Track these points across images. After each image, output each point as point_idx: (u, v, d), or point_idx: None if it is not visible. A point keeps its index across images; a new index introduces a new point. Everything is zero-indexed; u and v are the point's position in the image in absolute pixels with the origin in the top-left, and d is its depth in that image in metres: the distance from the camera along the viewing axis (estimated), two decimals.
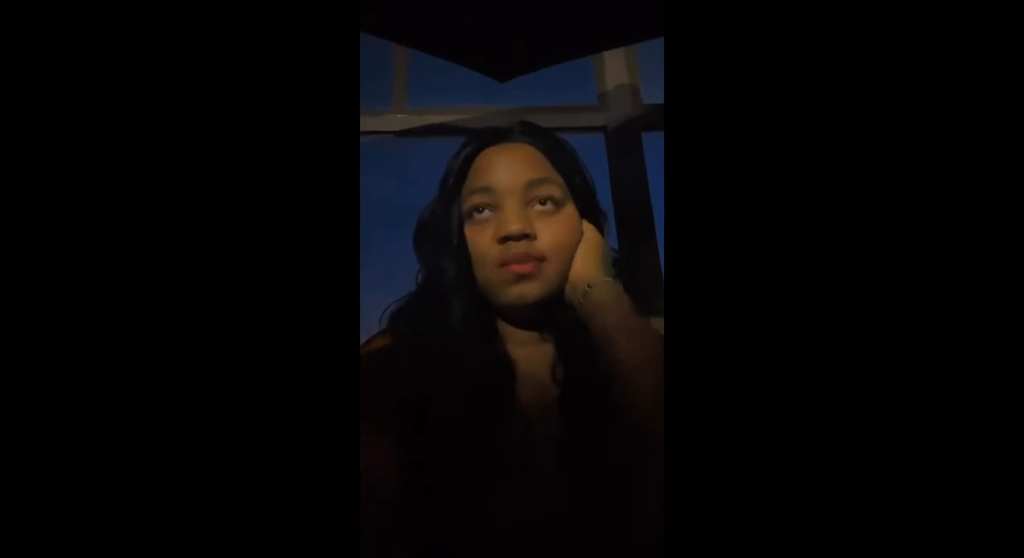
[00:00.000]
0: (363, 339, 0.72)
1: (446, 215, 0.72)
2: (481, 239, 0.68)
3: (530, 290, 0.67)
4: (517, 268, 0.66)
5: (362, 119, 1.26)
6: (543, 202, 0.68)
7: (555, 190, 0.69)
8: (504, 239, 0.66)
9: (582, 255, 0.70)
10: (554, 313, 0.70)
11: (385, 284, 0.77)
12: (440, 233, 0.72)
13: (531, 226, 0.67)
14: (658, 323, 0.63)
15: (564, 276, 0.69)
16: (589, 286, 0.67)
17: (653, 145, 1.33)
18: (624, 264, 0.77)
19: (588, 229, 0.72)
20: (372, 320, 0.72)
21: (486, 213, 0.69)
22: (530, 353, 0.71)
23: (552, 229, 0.68)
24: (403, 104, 1.37)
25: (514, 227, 0.66)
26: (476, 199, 0.69)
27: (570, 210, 0.70)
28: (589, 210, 0.74)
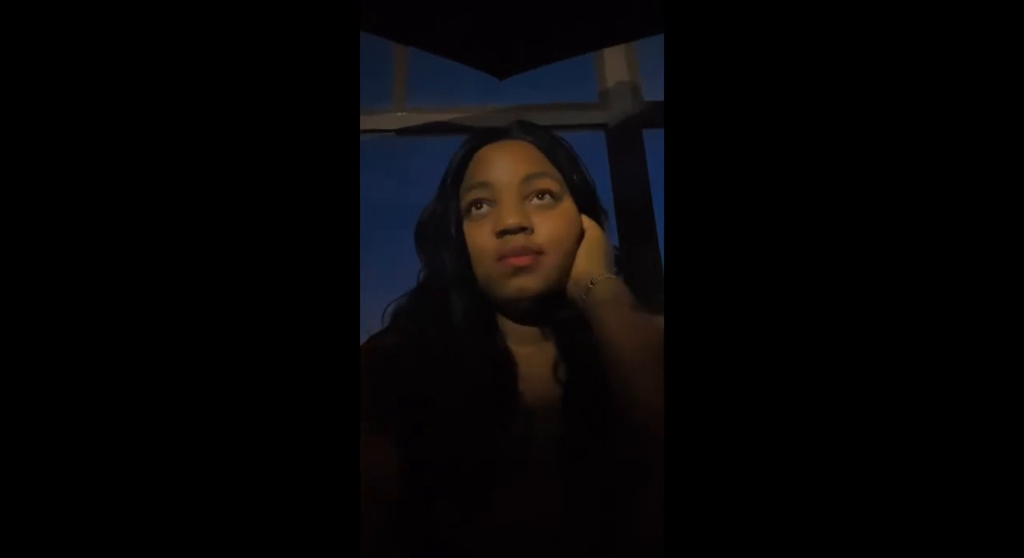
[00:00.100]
0: (363, 339, 0.72)
1: (445, 212, 0.72)
2: (479, 234, 0.68)
3: (529, 283, 0.67)
4: (515, 261, 0.66)
5: (362, 118, 1.26)
6: (540, 196, 0.69)
7: (552, 184, 0.70)
8: (502, 233, 0.67)
9: (585, 252, 0.70)
10: (555, 310, 0.70)
11: (385, 284, 0.77)
12: (439, 230, 0.72)
13: (528, 219, 0.67)
14: (659, 320, 0.63)
15: (563, 270, 0.69)
16: (592, 282, 0.67)
17: (653, 142, 1.32)
18: (625, 261, 0.77)
19: (590, 226, 0.72)
20: (372, 320, 0.72)
21: (484, 208, 0.69)
22: (532, 351, 0.71)
23: (550, 223, 0.68)
24: (403, 103, 1.37)
25: (511, 220, 0.66)
26: (474, 194, 0.70)
27: (568, 205, 0.71)
28: (590, 207, 0.74)
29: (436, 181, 0.76)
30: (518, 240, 0.66)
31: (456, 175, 0.73)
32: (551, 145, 0.73)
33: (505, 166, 0.70)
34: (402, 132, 1.33)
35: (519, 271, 0.66)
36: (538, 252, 0.67)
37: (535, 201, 0.69)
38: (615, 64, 1.39)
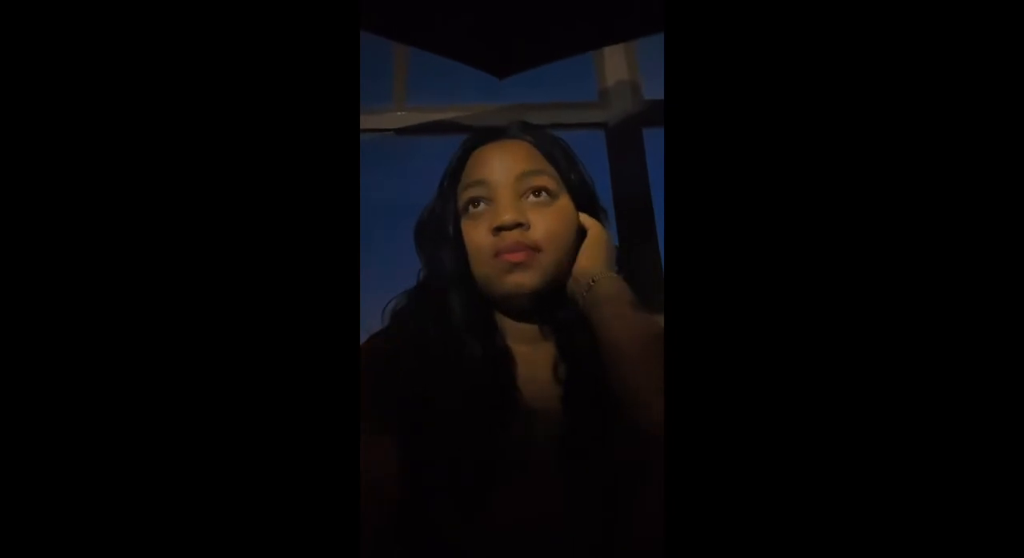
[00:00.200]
0: (363, 338, 0.72)
1: (443, 211, 0.72)
2: (476, 232, 0.69)
3: (525, 279, 0.67)
4: (511, 257, 0.66)
5: (362, 117, 1.26)
6: (537, 193, 0.69)
7: (548, 182, 0.70)
8: (498, 229, 0.67)
9: (587, 251, 0.70)
10: (554, 308, 0.71)
11: (385, 283, 0.77)
12: (438, 229, 0.72)
13: (524, 216, 0.67)
14: (660, 319, 0.63)
15: (561, 267, 0.69)
16: (593, 280, 0.67)
17: (653, 141, 1.32)
18: (625, 260, 0.77)
19: (592, 225, 0.72)
20: (372, 319, 0.72)
21: (481, 206, 0.69)
22: (531, 350, 0.71)
23: (546, 219, 0.68)
24: (403, 102, 1.37)
25: (507, 217, 0.66)
26: (471, 193, 0.70)
27: (565, 202, 0.71)
28: (589, 206, 0.74)
29: (436, 180, 0.76)
30: (514, 236, 0.66)
31: (454, 174, 0.74)
32: (548, 144, 0.74)
33: (501, 164, 0.70)
34: (402, 131, 1.33)
35: (515, 267, 0.66)
36: (534, 248, 0.67)
37: (531, 198, 0.69)
38: (615, 63, 1.39)
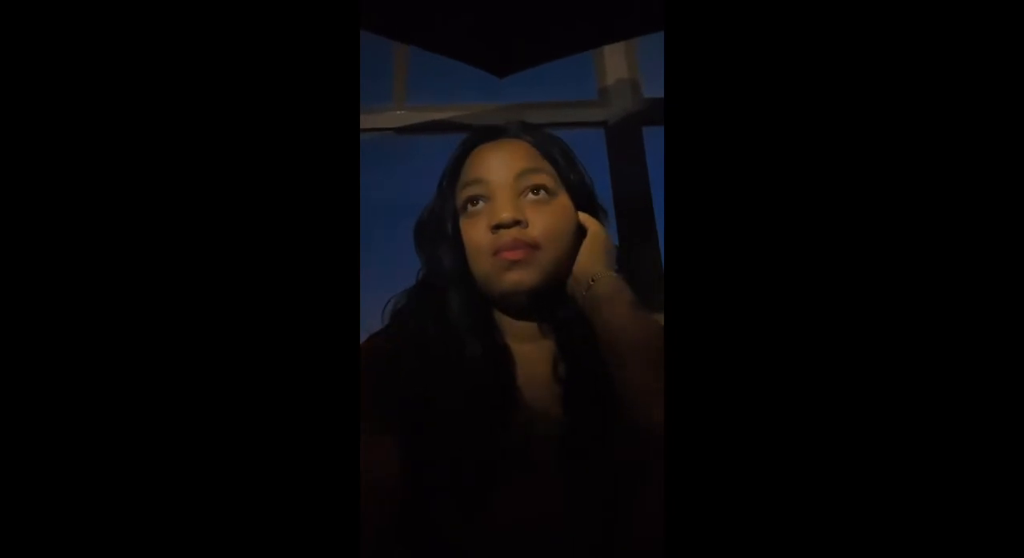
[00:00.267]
0: (363, 338, 0.72)
1: (442, 210, 0.73)
2: (475, 230, 0.69)
3: (524, 277, 0.67)
4: (509, 255, 0.66)
5: (362, 117, 1.26)
6: (535, 191, 0.69)
7: (547, 180, 0.70)
8: (496, 227, 0.67)
9: (587, 250, 0.70)
10: (553, 307, 0.71)
11: (385, 283, 0.77)
12: (437, 228, 0.72)
13: (523, 214, 0.67)
14: (660, 318, 0.63)
15: (559, 265, 0.69)
16: (593, 280, 0.67)
17: (653, 140, 1.33)
18: (625, 259, 0.77)
19: (592, 224, 0.72)
20: (372, 319, 0.72)
21: (480, 205, 0.70)
22: (531, 349, 0.71)
23: (545, 217, 0.68)
24: (403, 101, 1.37)
25: (505, 214, 0.66)
26: (469, 191, 0.70)
27: (564, 201, 0.71)
28: (588, 206, 0.74)
29: (436, 180, 0.76)
30: (512, 234, 0.66)
31: (452, 174, 0.74)
32: (547, 143, 0.74)
33: (500, 163, 0.70)
34: (402, 131, 1.33)
35: (514, 265, 0.66)
36: (533, 246, 0.67)
37: (530, 196, 0.69)
38: (615, 61, 1.39)
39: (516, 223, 0.67)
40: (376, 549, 0.56)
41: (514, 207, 0.67)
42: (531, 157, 0.71)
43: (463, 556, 0.62)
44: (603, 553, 0.61)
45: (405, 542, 0.61)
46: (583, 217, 0.72)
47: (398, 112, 1.35)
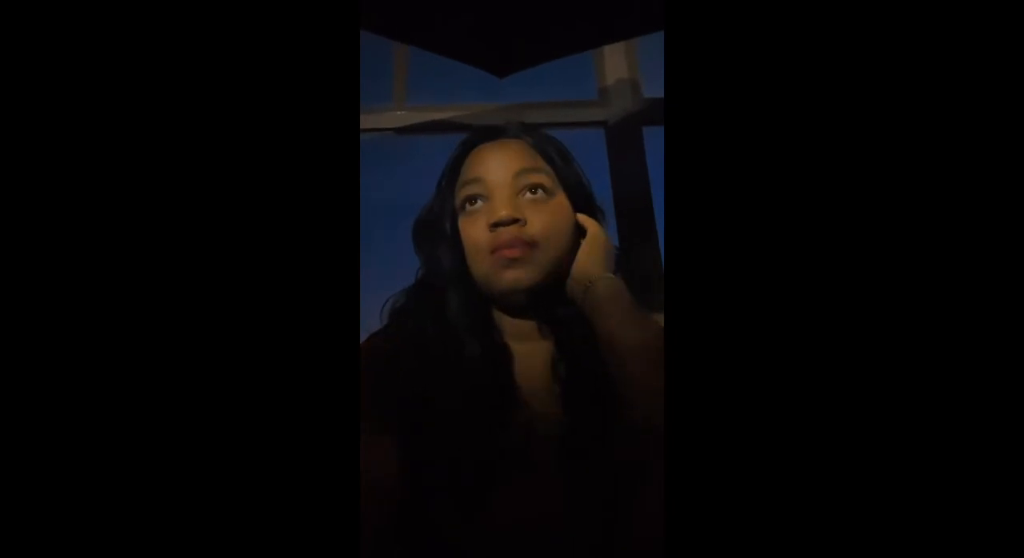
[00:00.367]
0: (363, 338, 0.72)
1: (441, 210, 0.73)
2: (473, 228, 0.69)
3: (522, 275, 0.67)
4: (507, 252, 0.66)
5: (362, 117, 1.26)
6: (533, 190, 0.69)
7: (545, 179, 0.70)
8: (494, 225, 0.67)
9: (585, 252, 0.70)
10: (552, 305, 0.71)
11: (385, 283, 0.77)
12: (435, 227, 0.73)
13: (521, 212, 0.68)
14: (659, 318, 0.63)
15: (558, 264, 0.69)
16: (590, 282, 0.67)
17: (653, 139, 1.33)
18: (625, 260, 0.77)
19: (591, 225, 0.72)
20: (372, 319, 0.72)
21: (478, 204, 0.70)
22: (530, 349, 0.71)
23: (543, 216, 0.68)
24: (403, 101, 1.37)
25: (503, 212, 0.67)
26: (468, 190, 0.70)
27: (561, 200, 0.71)
28: (586, 206, 0.74)
29: (436, 180, 0.76)
30: (510, 232, 0.67)
31: (451, 173, 0.74)
32: (544, 143, 0.74)
33: (498, 162, 0.70)
34: (402, 131, 1.33)
35: (512, 263, 0.67)
36: (531, 244, 0.67)
37: (528, 195, 0.69)
38: (615, 61, 1.39)
39: (514, 221, 0.67)
40: (375, 549, 0.56)
41: (512, 205, 0.68)
42: (529, 157, 0.71)
43: (462, 556, 0.62)
44: (603, 553, 0.61)
45: (404, 542, 0.61)
46: (582, 218, 0.72)
47: (398, 112, 1.35)
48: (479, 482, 0.61)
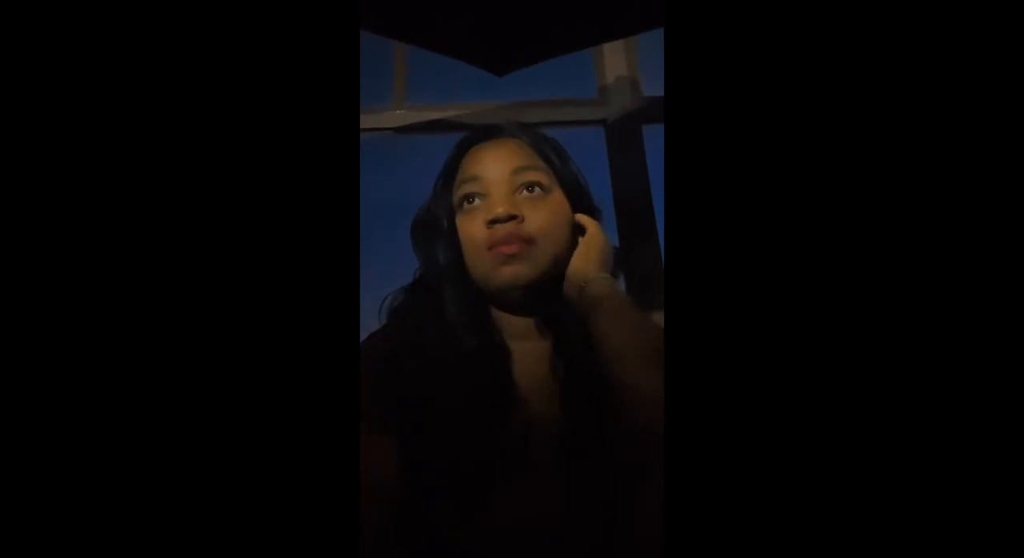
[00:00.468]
0: (362, 338, 0.72)
1: (439, 209, 0.73)
2: (471, 226, 0.69)
3: (520, 271, 0.67)
4: (504, 249, 0.67)
5: (362, 116, 1.26)
6: (530, 188, 0.70)
7: (541, 177, 0.71)
8: (492, 222, 0.67)
9: (580, 252, 0.70)
10: (550, 303, 0.71)
11: (385, 283, 0.77)
12: (433, 226, 0.73)
13: (518, 209, 0.68)
14: (659, 318, 0.63)
15: (556, 261, 0.69)
16: (585, 282, 0.67)
17: (653, 138, 1.33)
18: (624, 258, 0.77)
19: (589, 225, 0.72)
20: (372, 319, 0.72)
21: (476, 202, 0.70)
22: (529, 347, 0.71)
23: (540, 213, 0.69)
24: (403, 101, 1.37)
25: (500, 209, 0.67)
26: (465, 189, 0.71)
27: (558, 197, 0.71)
28: (583, 205, 0.74)
29: (435, 178, 0.76)
30: (508, 228, 0.67)
31: (449, 173, 0.74)
32: (542, 143, 0.74)
33: (495, 161, 0.71)
34: (402, 130, 1.33)
35: (510, 259, 0.67)
36: (528, 240, 0.67)
37: (525, 193, 0.70)
38: (614, 60, 1.39)
39: (511, 218, 0.67)
40: (375, 549, 0.56)
41: (509, 203, 0.68)
42: (526, 155, 0.72)
43: (462, 556, 0.62)
44: (603, 553, 0.61)
45: (404, 542, 0.61)
46: (581, 218, 0.72)
47: (398, 112, 1.35)
48: (479, 482, 0.61)
